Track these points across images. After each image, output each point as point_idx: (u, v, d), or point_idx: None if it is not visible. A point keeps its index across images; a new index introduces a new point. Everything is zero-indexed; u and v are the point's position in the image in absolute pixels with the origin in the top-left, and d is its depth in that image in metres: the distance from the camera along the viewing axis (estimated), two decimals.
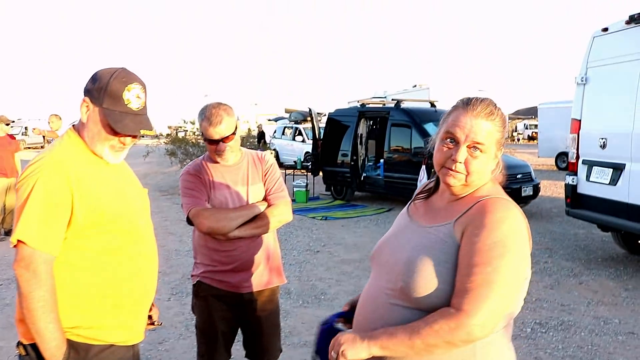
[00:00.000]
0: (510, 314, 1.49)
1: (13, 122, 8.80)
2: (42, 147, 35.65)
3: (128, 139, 1.93)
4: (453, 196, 1.60)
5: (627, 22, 6.01)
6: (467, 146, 1.51)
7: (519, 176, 10.00)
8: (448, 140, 1.54)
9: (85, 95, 1.91)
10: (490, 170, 1.58)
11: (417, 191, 1.80)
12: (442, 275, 1.45)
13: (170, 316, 4.97)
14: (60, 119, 8.76)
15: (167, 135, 21.36)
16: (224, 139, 2.60)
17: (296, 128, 20.70)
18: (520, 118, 43.29)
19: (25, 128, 34.00)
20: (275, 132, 22.53)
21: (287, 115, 22.35)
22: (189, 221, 2.64)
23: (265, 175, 2.77)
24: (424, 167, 10.23)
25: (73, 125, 2.00)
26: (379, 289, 1.59)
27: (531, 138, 38.79)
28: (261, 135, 19.97)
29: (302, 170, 14.16)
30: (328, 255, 7.47)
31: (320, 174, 13.32)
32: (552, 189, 13.54)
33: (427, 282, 1.46)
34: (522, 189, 9.82)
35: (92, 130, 1.90)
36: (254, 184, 2.74)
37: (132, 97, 1.88)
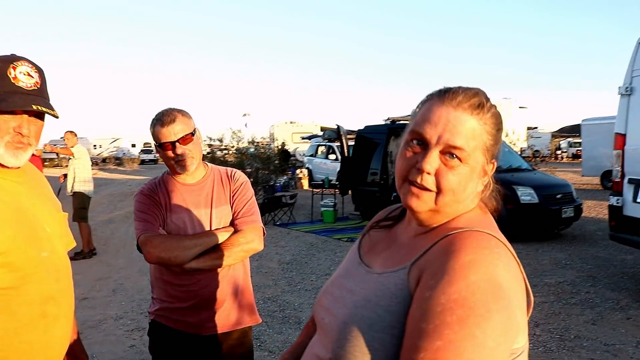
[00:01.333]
0: None
1: None
2: (56, 164, 36.87)
3: (25, 129, 1.54)
4: (420, 227, 1.13)
5: None
6: (439, 151, 1.04)
7: (558, 196, 9.31)
8: (414, 142, 1.07)
9: None
10: (476, 191, 1.11)
11: (377, 216, 1.35)
12: (386, 347, 0.97)
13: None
14: (76, 135, 8.58)
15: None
16: (181, 140, 2.17)
17: (329, 146, 20.33)
18: (565, 136, 42.07)
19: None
20: (308, 150, 22.33)
21: (321, 133, 22.11)
22: (140, 250, 2.21)
23: (233, 196, 2.32)
24: None
25: None
26: (311, 356, 1.14)
27: (576, 156, 37.63)
28: (285, 154, 19.59)
29: (332, 190, 13.72)
30: None
31: (350, 193, 12.82)
32: (597, 210, 12.68)
33: (363, 357, 0.99)
34: (562, 210, 9.13)
35: None
36: (219, 206, 2.30)
37: (19, 75, 1.55)
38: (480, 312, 0.88)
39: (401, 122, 12.70)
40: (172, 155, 2.20)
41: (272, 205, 12.15)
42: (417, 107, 1.13)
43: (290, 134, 29.10)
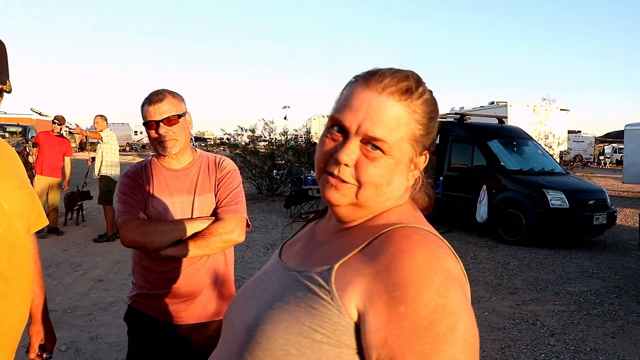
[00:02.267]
0: None
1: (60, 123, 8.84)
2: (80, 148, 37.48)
3: None
4: (341, 223, 1.02)
5: None
6: (360, 140, 0.94)
7: (591, 202, 9.01)
8: (334, 129, 0.97)
9: None
10: (404, 186, 1.00)
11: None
12: (303, 353, 0.86)
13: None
14: (106, 119, 8.69)
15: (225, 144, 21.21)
16: (165, 121, 2.13)
17: None
18: (609, 141, 40.86)
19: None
20: None
21: None
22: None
23: (218, 184, 2.25)
24: (484, 186, 9.48)
25: None
26: None
27: (620, 162, 36.54)
28: (314, 146, 19.53)
29: None
30: None
31: None
32: (635, 219, 12.16)
33: None
34: (594, 217, 8.82)
35: None
36: (203, 193, 2.23)
37: None
38: (461, 314, 0.83)
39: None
40: (155, 135, 2.16)
41: (298, 198, 12.09)
42: (344, 89, 1.01)
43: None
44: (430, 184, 1.06)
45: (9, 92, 1.57)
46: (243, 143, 16.77)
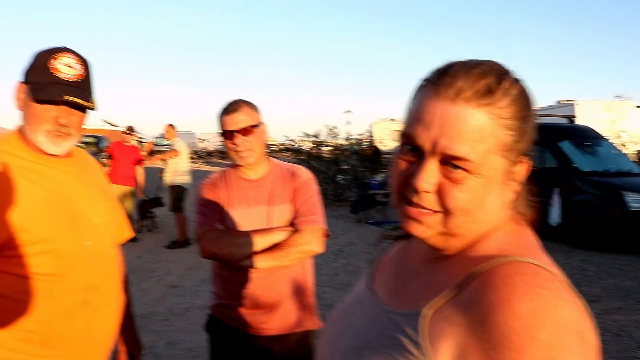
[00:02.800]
0: None
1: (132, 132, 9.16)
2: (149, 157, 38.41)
3: (63, 119, 1.57)
4: (433, 250, 0.89)
5: None
6: (438, 161, 0.80)
7: None
8: (408, 147, 0.83)
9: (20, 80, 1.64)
10: (502, 205, 0.85)
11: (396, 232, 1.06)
12: None
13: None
14: (175, 128, 8.94)
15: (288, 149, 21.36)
16: (242, 131, 2.15)
17: None
18: None
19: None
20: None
21: None
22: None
23: (295, 194, 2.24)
24: (557, 189, 9.15)
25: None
26: None
27: None
28: (376, 152, 19.31)
29: None
30: None
31: None
32: None
33: None
34: None
35: (25, 116, 1.61)
36: (280, 204, 2.23)
37: (60, 65, 1.58)
38: None
39: None
40: (232, 145, 2.19)
41: (364, 202, 12.06)
42: (413, 96, 0.86)
43: (389, 131, 28.85)
44: (535, 192, 0.92)
45: (94, 109, 1.64)
46: (307, 149, 16.88)
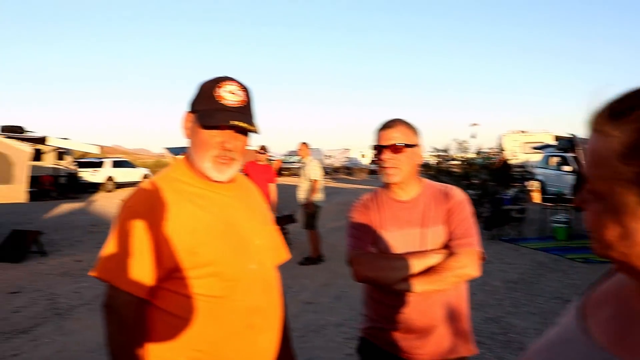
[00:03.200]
0: None
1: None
2: (293, 174, 39.25)
3: (228, 143, 1.67)
4: None
5: None
6: None
7: None
8: (589, 193, 0.78)
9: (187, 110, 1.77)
10: None
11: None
12: None
13: None
14: (309, 147, 9.13)
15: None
16: (392, 147, 2.15)
17: (563, 157, 18.77)
18: None
19: None
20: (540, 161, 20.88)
21: (554, 143, 20.58)
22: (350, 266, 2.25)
23: (449, 215, 2.19)
24: None
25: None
26: None
27: None
28: (505, 167, 18.34)
29: (566, 204, 12.63)
30: None
31: None
32: None
33: None
34: None
35: (192, 143, 1.73)
36: (433, 225, 2.18)
37: (224, 93, 1.68)
38: None
39: None
40: (379, 160, 2.20)
41: (498, 219, 11.60)
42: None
43: (520, 144, 27.59)
44: None
45: (257, 133, 1.73)
46: (434, 163, 16.59)
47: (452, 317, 2.19)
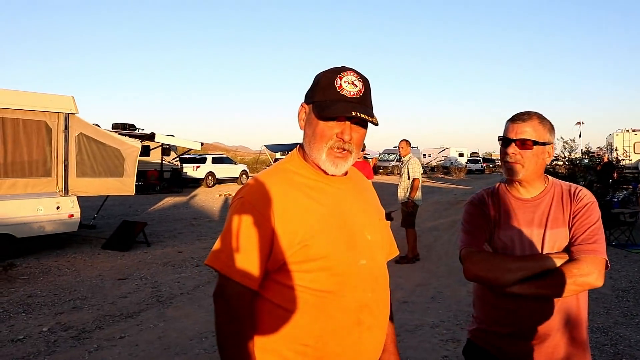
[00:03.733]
0: None
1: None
2: (389, 171, 38.90)
3: (347, 135, 1.61)
4: None
5: None
6: None
7: None
8: None
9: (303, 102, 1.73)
10: None
11: None
12: None
13: None
14: (410, 144, 8.98)
15: None
16: (519, 142, 2.01)
17: None
18: None
19: None
20: None
21: None
22: (462, 262, 2.13)
23: (573, 218, 2.01)
24: None
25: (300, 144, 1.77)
26: None
27: None
28: (608, 166, 17.05)
29: None
30: None
31: None
32: None
33: None
34: None
35: (308, 135, 1.67)
36: (555, 227, 2.02)
37: (344, 83, 1.62)
38: None
39: None
40: (503, 153, 2.06)
41: (607, 223, 10.89)
42: None
43: (632, 143, 25.85)
44: None
45: (377, 124, 1.65)
46: None
47: (570, 325, 2.02)
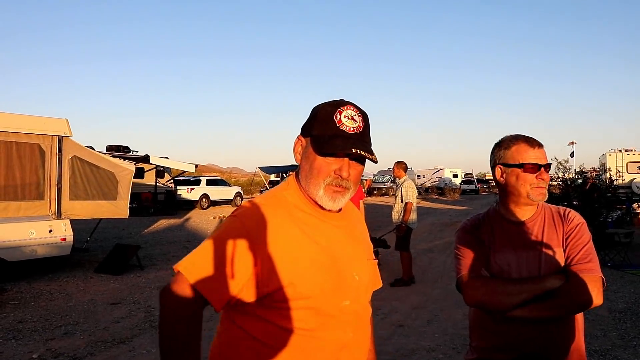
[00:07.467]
0: None
1: None
2: (384, 193, 38.85)
3: (345, 172, 1.56)
4: None
5: None
6: None
7: None
8: None
9: (300, 134, 1.68)
10: None
11: None
12: None
13: None
14: (405, 166, 8.92)
15: None
16: (546, 167, 2.05)
17: None
18: None
19: None
20: None
21: None
22: (459, 290, 2.11)
23: (567, 239, 2.02)
24: None
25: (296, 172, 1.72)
26: None
27: None
28: (592, 189, 16.92)
29: None
30: None
31: None
32: None
33: None
34: None
35: (304, 169, 1.62)
36: (550, 248, 2.02)
37: (344, 118, 1.57)
38: None
39: None
40: (534, 179, 2.03)
41: (602, 244, 10.88)
42: None
43: (625, 163, 25.96)
44: None
45: (375, 162, 1.61)
46: None
47: (570, 348, 2.00)
